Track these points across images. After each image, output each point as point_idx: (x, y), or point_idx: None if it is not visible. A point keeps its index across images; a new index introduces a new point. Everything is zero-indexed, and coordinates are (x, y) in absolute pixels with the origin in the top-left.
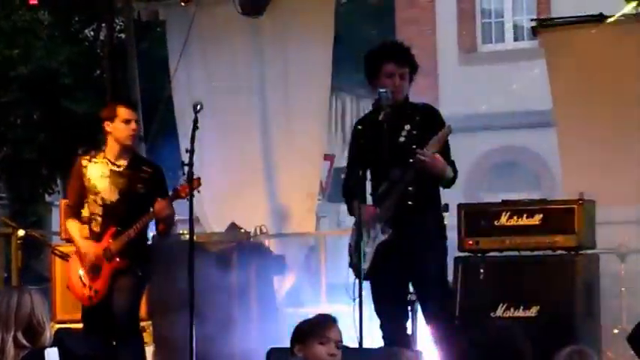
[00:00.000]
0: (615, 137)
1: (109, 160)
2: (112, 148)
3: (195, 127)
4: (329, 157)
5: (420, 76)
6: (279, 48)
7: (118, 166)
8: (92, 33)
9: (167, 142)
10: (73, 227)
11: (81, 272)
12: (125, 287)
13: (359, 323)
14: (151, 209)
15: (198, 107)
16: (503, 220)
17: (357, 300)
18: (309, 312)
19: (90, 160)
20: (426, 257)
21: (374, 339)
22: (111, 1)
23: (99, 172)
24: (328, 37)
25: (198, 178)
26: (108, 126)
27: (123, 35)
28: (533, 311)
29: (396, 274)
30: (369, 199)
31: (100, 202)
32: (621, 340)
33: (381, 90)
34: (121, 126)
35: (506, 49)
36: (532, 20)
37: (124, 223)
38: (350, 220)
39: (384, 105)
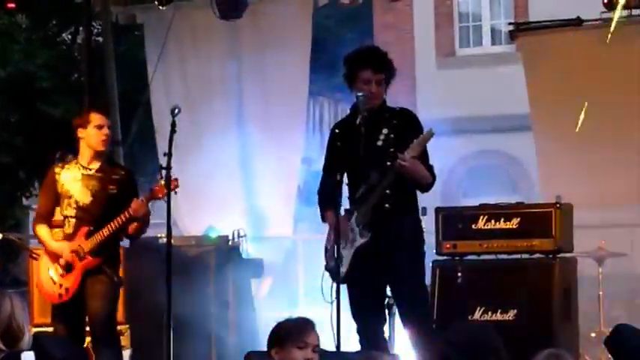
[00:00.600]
0: (592, 141)
1: (82, 165)
2: (84, 153)
3: (173, 131)
4: (306, 161)
5: (397, 79)
6: (257, 52)
7: (90, 169)
8: (70, 37)
9: (145, 146)
10: (43, 231)
11: (51, 272)
12: (100, 292)
13: (336, 327)
14: (127, 209)
15: (176, 111)
16: (481, 223)
17: (334, 303)
18: (287, 315)
19: (62, 167)
20: (403, 260)
21: (352, 343)
22: (88, 4)
23: (71, 177)
24: (306, 41)
25: (176, 179)
26: (81, 132)
27: (101, 39)
28: (510, 315)
29: (374, 278)
30: (346, 203)
31: (73, 204)
32: (599, 344)
33: (359, 94)
34: (93, 132)
35: (483, 53)
36: (510, 24)
37: (97, 224)
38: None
39: (362, 109)
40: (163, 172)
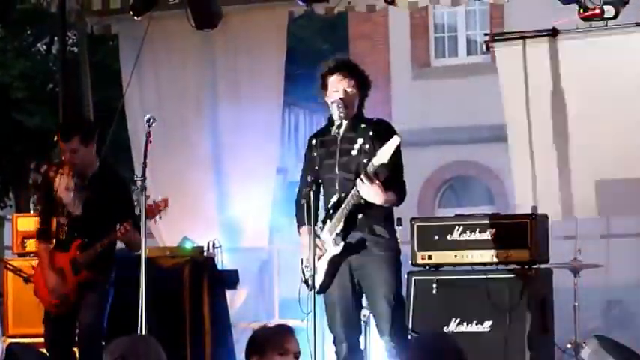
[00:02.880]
0: (567, 151)
1: (74, 172)
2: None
3: (148, 141)
4: (282, 171)
5: (373, 90)
6: (231, 62)
7: (83, 180)
8: (45, 47)
9: (120, 155)
10: (44, 253)
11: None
12: (91, 305)
13: (312, 338)
14: (117, 228)
15: (151, 121)
16: (456, 234)
17: (311, 314)
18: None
19: (57, 172)
20: (378, 271)
21: (328, 354)
22: (63, 15)
23: (64, 185)
24: (280, 52)
25: (166, 200)
26: (82, 149)
27: (76, 49)
28: (485, 326)
29: (349, 288)
30: (322, 213)
31: (65, 214)
32: (574, 355)
33: (333, 103)
34: (65, 155)
35: (459, 63)
36: (485, 35)
37: (89, 235)
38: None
39: (337, 117)
40: (138, 183)
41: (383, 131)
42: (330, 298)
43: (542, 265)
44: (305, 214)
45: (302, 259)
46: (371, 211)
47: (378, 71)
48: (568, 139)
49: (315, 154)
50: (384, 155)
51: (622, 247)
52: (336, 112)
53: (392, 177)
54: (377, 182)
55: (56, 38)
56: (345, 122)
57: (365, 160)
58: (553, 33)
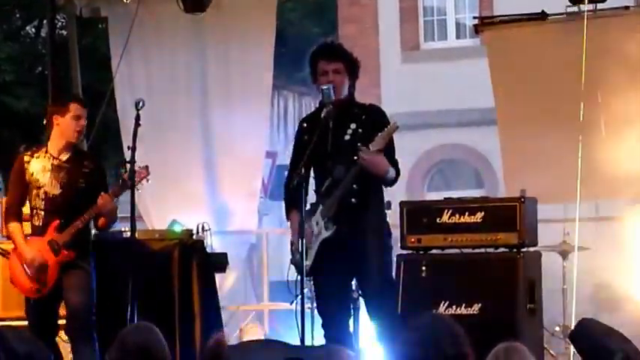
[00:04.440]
0: (556, 135)
1: (52, 155)
2: (55, 142)
3: (137, 124)
4: (271, 155)
5: (362, 74)
6: (221, 45)
7: (60, 160)
8: (34, 30)
9: (109, 139)
10: (16, 230)
11: (26, 267)
12: (78, 285)
13: (300, 321)
14: (94, 205)
15: (140, 104)
16: (445, 217)
17: (299, 298)
18: (251, 310)
19: (32, 156)
20: (369, 254)
21: (316, 337)
22: None
23: (40, 166)
24: (269, 35)
25: (146, 167)
26: (56, 119)
27: (64, 32)
28: (475, 309)
29: (339, 272)
30: (312, 196)
31: (42, 195)
32: (563, 338)
33: (323, 87)
34: (70, 122)
35: (448, 47)
36: (474, 18)
37: (66, 216)
38: None
39: (327, 102)
40: (128, 166)
41: (376, 116)
42: (320, 281)
43: (531, 248)
44: (295, 197)
45: (292, 242)
46: (362, 195)
47: (367, 55)
48: (557, 120)
49: (306, 137)
50: (380, 141)
51: (611, 230)
52: (327, 97)
53: (386, 156)
54: (380, 154)
55: (45, 21)
56: (335, 106)
57: (360, 144)
58: (542, 16)
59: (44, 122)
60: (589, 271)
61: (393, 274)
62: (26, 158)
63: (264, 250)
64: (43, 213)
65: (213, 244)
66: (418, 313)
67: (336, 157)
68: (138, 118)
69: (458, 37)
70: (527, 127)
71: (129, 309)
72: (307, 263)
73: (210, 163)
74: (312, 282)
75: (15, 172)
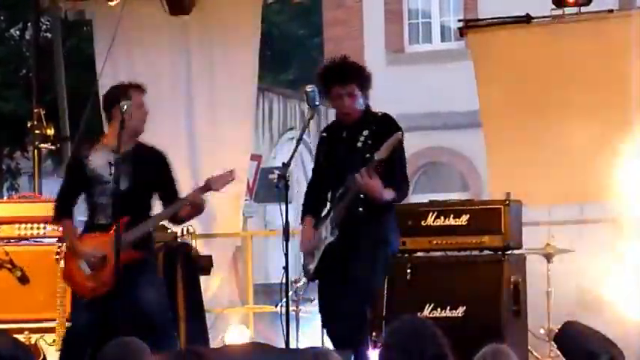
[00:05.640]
0: (541, 138)
1: (111, 147)
2: (115, 134)
3: (121, 127)
4: (256, 158)
5: None
6: (206, 48)
7: (124, 154)
8: (18, 32)
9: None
10: (69, 226)
11: (82, 265)
12: (150, 280)
13: (285, 324)
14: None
15: (125, 107)
16: (430, 220)
17: (285, 302)
18: (236, 313)
19: (90, 150)
20: (363, 264)
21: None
22: (37, 0)
23: (103, 161)
24: (255, 37)
25: (232, 171)
26: (117, 110)
27: (49, 34)
28: (459, 311)
29: (339, 276)
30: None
31: (108, 191)
32: (548, 341)
33: (308, 89)
34: (135, 111)
35: (433, 49)
36: (459, 21)
37: (135, 211)
38: (277, 220)
39: (312, 105)
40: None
41: (385, 126)
42: (322, 283)
43: (516, 251)
44: (307, 202)
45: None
46: (370, 205)
47: (352, 57)
48: (542, 123)
49: (324, 146)
50: (383, 151)
51: (595, 232)
52: (312, 99)
53: (391, 173)
54: (375, 177)
55: (29, 23)
56: (350, 117)
57: (367, 155)
58: (527, 19)
59: (29, 125)
60: (573, 274)
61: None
62: (84, 153)
63: (249, 253)
64: (109, 210)
65: (198, 246)
66: (405, 315)
67: (349, 165)
68: (123, 121)
69: (443, 39)
70: (512, 130)
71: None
72: (312, 266)
73: (195, 164)
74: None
75: (70, 168)
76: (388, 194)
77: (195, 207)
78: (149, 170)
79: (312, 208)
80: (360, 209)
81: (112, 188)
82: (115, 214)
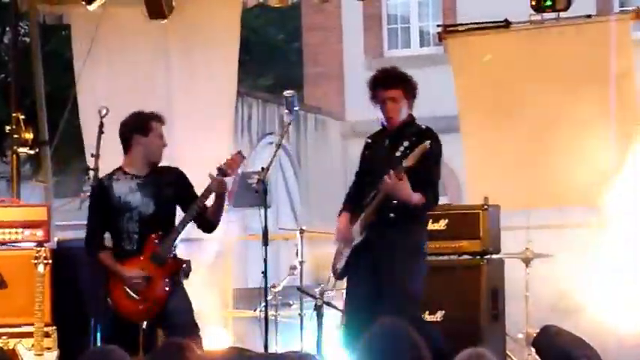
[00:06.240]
0: (519, 143)
1: (131, 174)
2: (134, 160)
3: (100, 132)
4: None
5: (326, 80)
6: (185, 52)
7: (143, 177)
8: None
9: (72, 146)
10: (107, 256)
11: (128, 291)
12: (183, 304)
13: (264, 328)
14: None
15: (104, 112)
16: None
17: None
18: (215, 317)
19: (111, 180)
20: (393, 265)
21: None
22: (15, 4)
23: (126, 189)
24: (234, 42)
25: (240, 152)
26: (138, 139)
27: (27, 39)
28: (438, 316)
29: (363, 278)
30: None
31: (136, 217)
32: (526, 345)
33: (287, 94)
34: (154, 140)
35: (412, 54)
36: (438, 26)
37: (162, 230)
38: (257, 225)
39: (290, 109)
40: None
41: (423, 137)
42: (348, 284)
43: (494, 256)
44: (346, 200)
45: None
46: (400, 211)
47: (331, 62)
48: (520, 128)
49: (366, 152)
50: (411, 159)
51: (574, 237)
52: (291, 103)
53: (420, 180)
54: (404, 180)
55: (8, 28)
56: (394, 127)
57: (398, 162)
58: (505, 24)
59: (7, 129)
60: (552, 278)
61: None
62: (105, 183)
63: (229, 258)
64: (136, 236)
65: (178, 251)
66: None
67: (386, 173)
68: (101, 125)
69: (422, 44)
70: (490, 135)
71: (92, 316)
72: (339, 266)
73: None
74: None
75: (95, 200)
76: (417, 198)
77: (218, 198)
78: (170, 190)
79: (349, 207)
80: (392, 215)
81: (139, 213)
82: (140, 240)
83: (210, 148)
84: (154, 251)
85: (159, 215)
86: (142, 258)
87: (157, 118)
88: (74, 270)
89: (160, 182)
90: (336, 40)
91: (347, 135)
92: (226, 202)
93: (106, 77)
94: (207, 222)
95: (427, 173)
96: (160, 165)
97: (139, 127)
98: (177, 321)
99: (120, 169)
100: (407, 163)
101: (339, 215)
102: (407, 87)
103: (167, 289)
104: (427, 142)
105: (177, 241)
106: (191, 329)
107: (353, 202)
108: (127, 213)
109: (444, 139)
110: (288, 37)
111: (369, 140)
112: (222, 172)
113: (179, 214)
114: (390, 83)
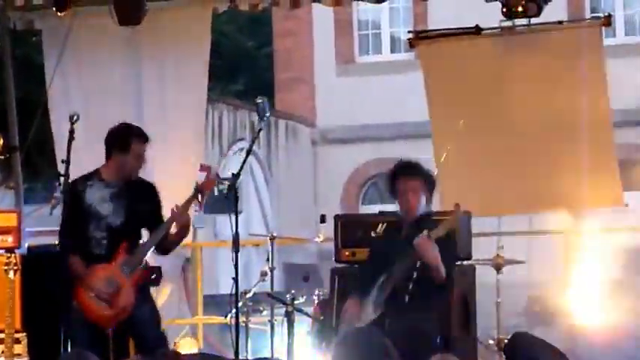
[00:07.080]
0: (490, 149)
1: (106, 182)
2: (111, 170)
3: (71, 138)
4: (205, 168)
5: (296, 86)
6: (156, 58)
7: (117, 188)
8: None
9: (43, 152)
10: (77, 261)
11: (93, 297)
12: (151, 317)
13: (235, 335)
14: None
15: (75, 118)
16: (380, 231)
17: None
18: (185, 324)
19: (85, 184)
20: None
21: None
22: None
23: (98, 196)
24: (205, 47)
25: (217, 174)
26: (116, 156)
27: None
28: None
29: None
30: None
31: (104, 226)
32: (497, 352)
33: (258, 101)
34: (131, 161)
35: (383, 60)
36: (409, 32)
37: (128, 242)
38: (227, 231)
39: (262, 115)
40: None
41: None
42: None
43: (465, 262)
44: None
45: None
46: (416, 295)
47: (302, 68)
48: (492, 134)
49: (382, 239)
50: (440, 229)
51: (544, 243)
52: (262, 109)
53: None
54: (435, 246)
55: None
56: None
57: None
58: (476, 30)
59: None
60: (523, 284)
61: None
62: (80, 187)
63: (198, 264)
64: (105, 242)
65: (148, 257)
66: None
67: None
68: (72, 131)
69: (393, 50)
70: (461, 141)
71: (63, 323)
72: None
73: (145, 176)
74: None
75: (69, 202)
76: (442, 269)
77: (182, 227)
78: (141, 204)
79: (359, 293)
80: (406, 296)
81: (107, 223)
82: (109, 247)
83: (181, 155)
84: (124, 259)
85: (127, 227)
86: (112, 264)
87: (140, 138)
88: (45, 276)
89: (133, 196)
90: (307, 46)
91: (317, 141)
92: (197, 208)
93: (77, 83)
94: (164, 248)
95: (448, 255)
96: (137, 178)
97: (120, 144)
98: (145, 333)
99: (97, 173)
100: (434, 235)
101: (349, 300)
102: (428, 179)
103: (135, 296)
104: (453, 217)
105: (147, 254)
106: (160, 341)
107: (363, 292)
108: (95, 221)
109: (416, 144)
110: (259, 42)
111: (385, 225)
112: (198, 190)
113: None
114: (412, 173)
